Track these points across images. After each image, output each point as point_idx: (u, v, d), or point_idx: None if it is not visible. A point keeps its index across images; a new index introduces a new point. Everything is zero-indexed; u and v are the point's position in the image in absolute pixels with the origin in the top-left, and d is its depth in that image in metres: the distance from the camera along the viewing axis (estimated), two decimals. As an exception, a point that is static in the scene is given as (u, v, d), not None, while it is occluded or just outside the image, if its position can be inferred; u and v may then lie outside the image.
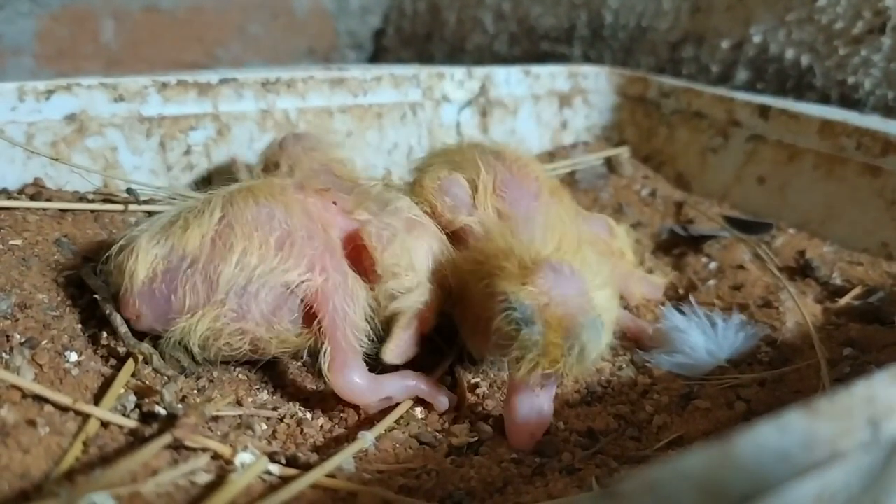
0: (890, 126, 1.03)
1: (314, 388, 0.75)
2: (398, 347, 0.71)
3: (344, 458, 0.61)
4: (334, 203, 0.73)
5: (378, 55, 2.12)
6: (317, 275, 0.67)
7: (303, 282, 0.67)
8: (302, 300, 0.68)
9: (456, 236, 0.79)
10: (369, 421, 0.70)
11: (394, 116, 1.25)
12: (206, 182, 1.09)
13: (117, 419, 0.60)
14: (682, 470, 0.32)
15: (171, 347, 0.69)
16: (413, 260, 0.72)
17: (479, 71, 1.34)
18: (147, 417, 0.62)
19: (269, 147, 0.96)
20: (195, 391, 0.69)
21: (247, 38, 1.83)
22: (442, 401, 0.73)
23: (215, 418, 0.65)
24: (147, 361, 0.68)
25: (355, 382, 0.67)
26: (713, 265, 1.00)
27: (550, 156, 1.36)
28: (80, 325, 0.72)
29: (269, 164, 0.91)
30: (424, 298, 0.73)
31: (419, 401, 0.73)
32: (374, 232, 0.71)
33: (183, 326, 0.67)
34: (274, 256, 0.67)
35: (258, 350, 0.70)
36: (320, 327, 0.68)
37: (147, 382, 0.67)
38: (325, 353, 0.67)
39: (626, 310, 0.88)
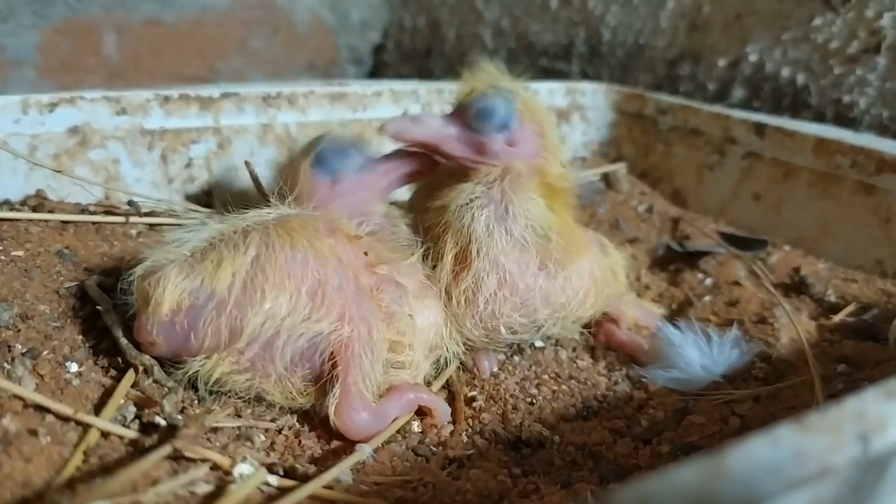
0: (884, 145, 1.04)
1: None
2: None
3: (342, 470, 0.62)
4: (365, 254, 0.73)
5: (378, 70, 2.13)
6: (345, 324, 0.67)
7: (332, 332, 0.67)
8: (325, 349, 0.68)
9: None
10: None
11: (393, 131, 1.26)
12: (207, 195, 1.10)
13: (118, 429, 0.61)
14: (675, 483, 0.33)
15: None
16: (413, 339, 0.74)
17: (478, 87, 1.34)
18: (147, 428, 0.63)
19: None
20: (195, 402, 0.69)
21: (248, 52, 1.84)
22: (442, 407, 0.74)
23: (214, 429, 0.65)
24: (147, 372, 0.69)
25: (362, 418, 0.67)
26: (709, 281, 1.01)
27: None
28: (80, 336, 0.73)
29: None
30: (415, 379, 0.75)
31: (417, 412, 0.74)
32: (385, 304, 0.72)
33: (196, 369, 0.67)
34: (304, 308, 0.66)
35: (259, 396, 0.70)
36: (334, 370, 0.67)
37: (147, 393, 0.67)
38: (333, 395, 0.67)
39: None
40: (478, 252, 0.76)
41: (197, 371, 0.67)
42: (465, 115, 0.76)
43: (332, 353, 0.67)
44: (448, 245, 0.77)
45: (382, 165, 0.82)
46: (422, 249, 0.79)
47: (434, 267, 0.78)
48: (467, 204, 0.77)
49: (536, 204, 0.77)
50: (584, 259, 0.81)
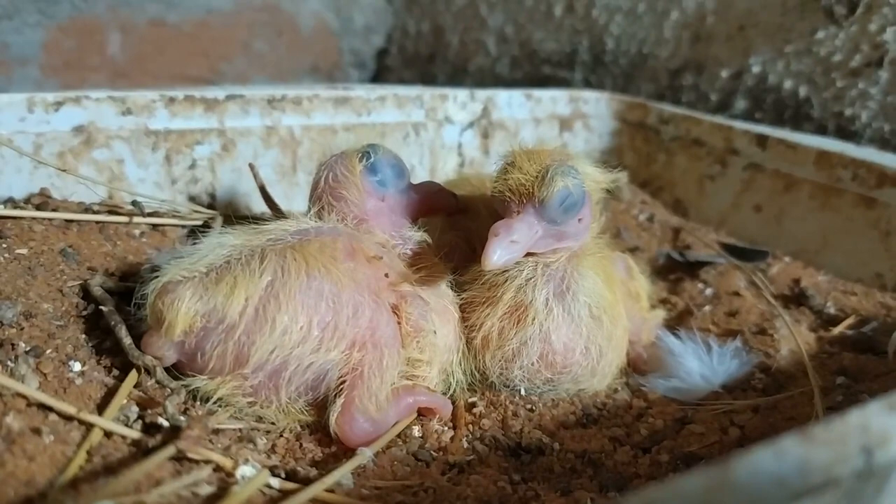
0: (885, 158, 1.04)
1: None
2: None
3: (343, 474, 0.62)
4: (386, 275, 0.73)
5: (381, 74, 2.14)
6: (355, 351, 0.68)
7: (342, 359, 0.67)
8: (332, 377, 0.68)
9: None
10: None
11: (397, 136, 1.26)
12: (210, 196, 1.10)
13: (121, 429, 0.61)
14: (682, 492, 0.33)
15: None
16: (433, 356, 0.74)
17: (482, 93, 1.35)
18: (149, 428, 0.63)
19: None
20: (197, 403, 0.69)
21: (251, 54, 1.85)
22: (443, 403, 0.74)
23: (216, 431, 0.66)
24: (150, 373, 0.69)
25: (363, 429, 0.68)
26: (709, 291, 1.01)
27: (550, 178, 1.37)
28: (83, 335, 0.73)
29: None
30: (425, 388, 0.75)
31: (419, 415, 0.74)
32: (413, 318, 0.72)
33: (198, 387, 0.68)
34: (315, 339, 0.66)
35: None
36: (341, 384, 0.68)
37: (149, 394, 0.67)
38: (335, 405, 0.67)
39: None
40: (533, 319, 0.75)
41: (201, 390, 0.68)
42: (547, 210, 0.72)
43: (339, 375, 0.68)
44: (504, 297, 0.76)
45: (418, 193, 0.82)
46: (449, 276, 0.79)
47: (464, 298, 0.79)
48: (529, 280, 0.76)
49: (595, 282, 0.77)
50: (622, 341, 0.81)
